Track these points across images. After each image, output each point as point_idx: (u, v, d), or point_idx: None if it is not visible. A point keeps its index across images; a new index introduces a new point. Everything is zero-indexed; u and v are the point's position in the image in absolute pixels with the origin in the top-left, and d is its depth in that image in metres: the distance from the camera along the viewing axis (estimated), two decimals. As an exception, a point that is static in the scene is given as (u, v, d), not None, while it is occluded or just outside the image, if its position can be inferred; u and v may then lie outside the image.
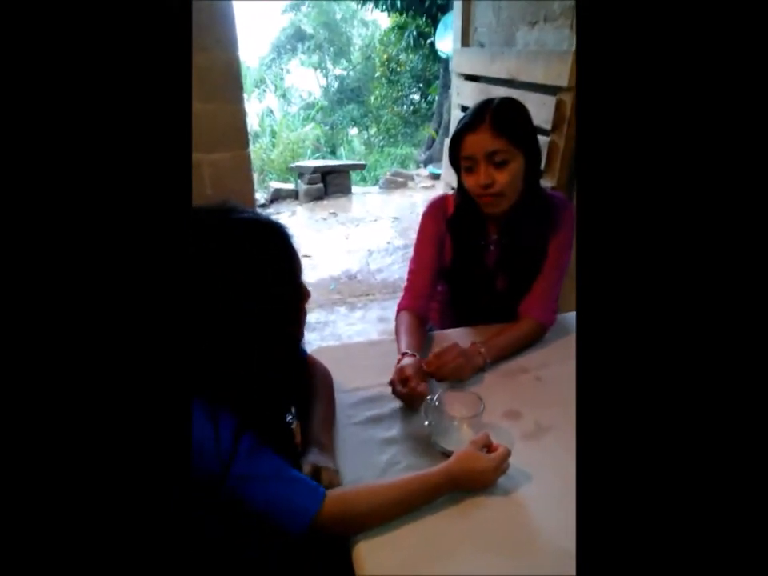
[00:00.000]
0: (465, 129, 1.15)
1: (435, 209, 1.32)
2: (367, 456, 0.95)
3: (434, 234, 1.30)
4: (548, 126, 2.06)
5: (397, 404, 1.08)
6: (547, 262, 1.27)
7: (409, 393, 1.00)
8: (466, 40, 2.93)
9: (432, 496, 0.83)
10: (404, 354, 1.11)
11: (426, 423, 0.97)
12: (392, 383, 1.05)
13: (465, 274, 1.32)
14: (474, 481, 0.85)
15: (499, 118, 1.13)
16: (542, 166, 2.11)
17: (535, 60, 2.16)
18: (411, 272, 1.33)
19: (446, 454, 0.90)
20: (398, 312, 1.31)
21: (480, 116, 1.14)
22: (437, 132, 7.77)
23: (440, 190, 4.46)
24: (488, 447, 0.88)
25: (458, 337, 1.31)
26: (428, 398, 0.97)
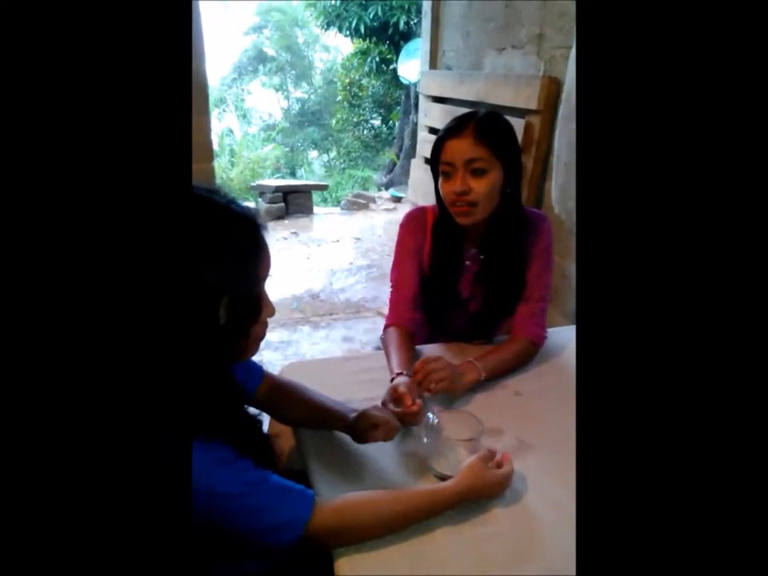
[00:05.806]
0: (448, 133, 1.14)
1: (413, 220, 1.30)
2: (339, 471, 0.92)
3: (413, 245, 1.28)
4: (517, 148, 2.09)
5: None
6: (532, 279, 1.25)
7: (403, 412, 0.96)
8: (433, 63, 2.98)
9: (437, 513, 0.81)
10: (398, 374, 1.07)
11: (425, 440, 0.93)
12: (383, 404, 1.01)
13: (441, 285, 1.29)
14: (480, 496, 0.84)
15: (483, 126, 1.13)
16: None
17: (504, 83, 2.20)
18: (394, 287, 1.30)
19: (441, 478, 0.88)
20: (385, 328, 1.28)
21: (464, 123, 1.14)
22: (398, 157, 7.86)
23: (402, 212, 4.47)
24: (497, 463, 0.87)
25: (447, 353, 1.28)
26: (428, 414, 0.94)
